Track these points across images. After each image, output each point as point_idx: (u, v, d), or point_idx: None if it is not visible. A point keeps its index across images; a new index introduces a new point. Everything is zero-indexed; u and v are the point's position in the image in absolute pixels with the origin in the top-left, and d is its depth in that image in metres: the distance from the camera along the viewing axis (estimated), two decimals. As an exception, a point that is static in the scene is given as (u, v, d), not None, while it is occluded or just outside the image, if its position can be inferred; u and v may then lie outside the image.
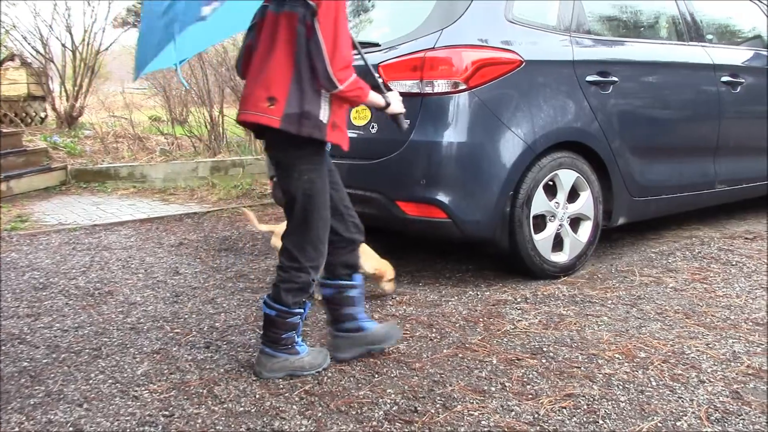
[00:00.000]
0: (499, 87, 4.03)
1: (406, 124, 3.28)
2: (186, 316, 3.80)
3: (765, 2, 5.78)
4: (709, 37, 5.20)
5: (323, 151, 2.97)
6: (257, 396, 2.84)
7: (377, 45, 4.36)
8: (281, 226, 3.65)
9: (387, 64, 4.12)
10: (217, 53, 10.08)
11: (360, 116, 4.29)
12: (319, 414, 2.68)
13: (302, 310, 3.02)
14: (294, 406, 2.74)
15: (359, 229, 3.22)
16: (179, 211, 6.72)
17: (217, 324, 3.68)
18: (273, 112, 2.80)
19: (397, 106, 3.20)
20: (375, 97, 3.08)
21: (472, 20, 4.08)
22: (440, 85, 3.96)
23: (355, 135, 4.33)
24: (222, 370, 3.10)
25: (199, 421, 2.64)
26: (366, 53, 4.36)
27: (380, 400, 2.76)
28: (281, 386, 2.92)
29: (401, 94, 4.03)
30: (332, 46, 2.75)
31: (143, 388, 2.93)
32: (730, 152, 5.18)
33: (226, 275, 4.57)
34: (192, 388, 2.92)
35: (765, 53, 5.47)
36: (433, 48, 3.99)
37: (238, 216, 6.53)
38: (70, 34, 10.64)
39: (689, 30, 5.05)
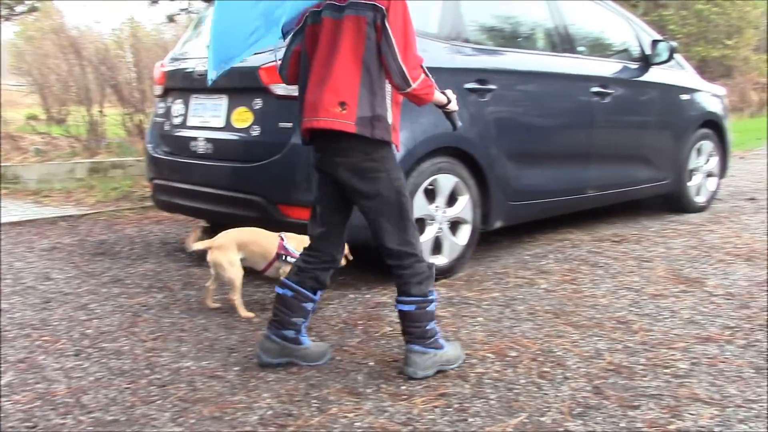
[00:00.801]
0: (379, 92, 4.07)
1: (459, 123, 3.30)
2: (55, 323, 3.65)
3: (633, 18, 6.12)
4: (581, 49, 5.45)
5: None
6: (128, 404, 2.76)
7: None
8: (217, 240, 3.73)
9: (269, 67, 4.07)
10: (97, 51, 9.75)
11: (241, 118, 4.25)
12: (192, 421, 2.63)
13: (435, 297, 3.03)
14: (166, 414, 2.69)
15: (343, 252, 3.20)
16: (54, 214, 6.44)
17: (88, 331, 3.55)
18: (346, 117, 2.79)
19: (455, 104, 3.21)
20: (439, 95, 3.11)
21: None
22: (321, 89, 3.96)
23: (236, 137, 4.29)
24: (92, 378, 3.00)
25: (65, 431, 2.55)
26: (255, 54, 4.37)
27: (255, 405, 2.75)
28: (153, 394, 2.85)
29: (283, 96, 4.07)
30: (403, 46, 2.79)
31: (5, 399, 2.79)
32: (600, 159, 5.44)
33: (100, 280, 4.42)
34: (58, 397, 2.81)
35: (632, 66, 5.78)
36: (315, 52, 3.99)
37: (117, 219, 6.33)
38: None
39: (563, 42, 5.28)
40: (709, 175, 6.52)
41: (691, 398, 2.80)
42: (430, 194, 4.30)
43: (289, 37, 3.01)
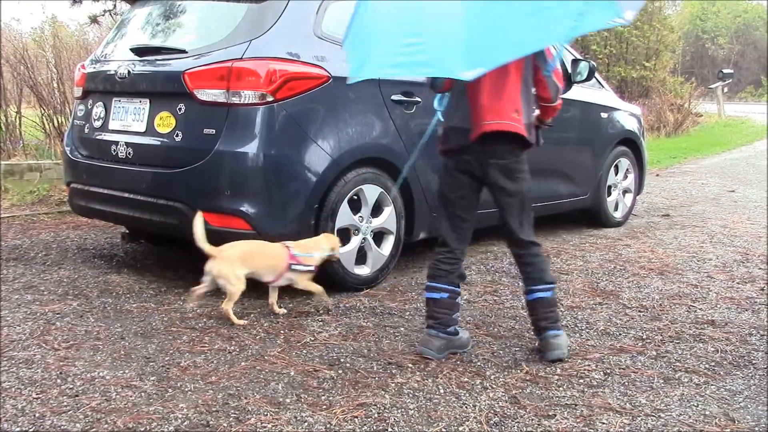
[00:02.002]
0: (306, 101, 4.08)
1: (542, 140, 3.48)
2: (-39, 332, 3.50)
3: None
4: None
5: None
6: (37, 415, 2.67)
7: (184, 51, 4.27)
8: (225, 252, 3.69)
9: (193, 72, 4.05)
10: (16, 50, 9.43)
11: (164, 123, 4.18)
12: (105, 432, 2.56)
13: None
14: (78, 425, 2.61)
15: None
16: (-37, 217, 6.18)
17: (-3, 339, 3.42)
18: (520, 122, 3.17)
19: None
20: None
21: (281, 34, 4.11)
22: (247, 96, 3.94)
23: (158, 143, 4.21)
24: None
25: (-33, 444, 2.44)
26: (172, 59, 4.31)
27: (171, 416, 2.69)
28: (65, 404, 2.76)
29: (207, 103, 4.02)
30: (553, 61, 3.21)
31: None
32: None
33: (12, 287, 4.25)
34: (-39, 409, 2.69)
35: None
36: (241, 59, 3.97)
37: (32, 224, 6.12)
38: None
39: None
40: (626, 191, 6.73)
41: (604, 407, 2.88)
42: (355, 204, 4.30)
43: None
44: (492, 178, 3.26)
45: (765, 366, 3.38)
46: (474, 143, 3.20)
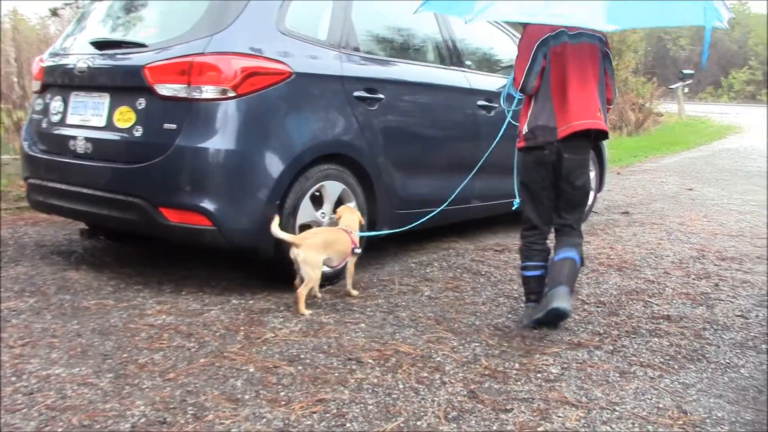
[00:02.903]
0: (268, 97, 4.06)
1: None
2: None
3: (518, 36, 6.33)
4: (468, 63, 5.60)
5: None
6: (-10, 413, 2.63)
7: (144, 46, 4.23)
8: (309, 240, 3.88)
9: (153, 66, 4.01)
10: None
11: (124, 118, 4.13)
12: (60, 430, 2.53)
13: None
14: (32, 423, 2.57)
15: None
16: None
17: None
18: (602, 120, 3.61)
19: None
20: None
21: (243, 29, 4.09)
22: (208, 91, 3.92)
23: (117, 137, 4.16)
24: (-49, 386, 2.83)
25: None
26: (132, 53, 4.27)
27: (128, 413, 2.67)
28: (19, 402, 2.72)
29: (168, 97, 3.99)
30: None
31: None
32: (485, 171, 5.58)
33: (-34, 284, 4.18)
34: None
35: (517, 81, 5.98)
36: (202, 53, 3.94)
37: (-11, 219, 6.00)
38: None
39: (450, 56, 5.41)
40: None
41: (560, 401, 2.92)
42: (317, 200, 4.30)
43: (535, 53, 3.57)
44: (565, 171, 3.63)
45: (717, 359, 3.46)
46: (559, 140, 3.56)
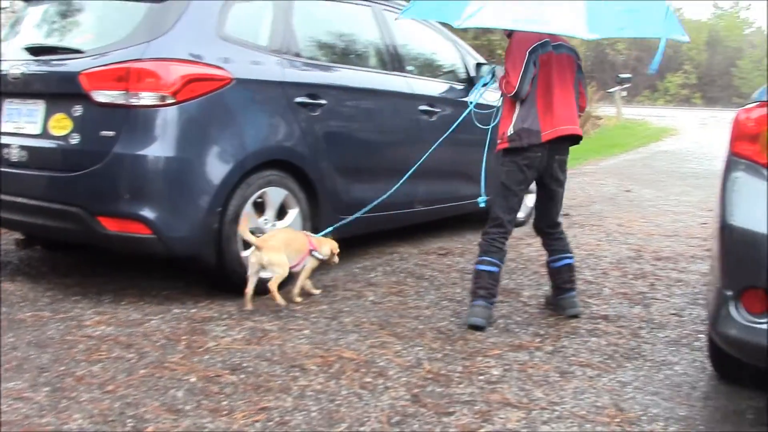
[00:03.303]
0: (208, 103, 4.02)
1: None
2: None
3: (460, 41, 6.41)
4: (410, 68, 5.64)
5: None
6: None
7: (81, 51, 4.15)
8: (270, 242, 4.01)
9: (90, 72, 3.94)
10: None
11: (60, 125, 4.05)
12: (-7, 447, 2.47)
13: None
14: (-36, 441, 2.50)
15: None
16: None
17: None
18: (578, 126, 3.97)
19: None
20: None
21: (182, 34, 4.05)
22: (147, 98, 3.87)
23: (53, 145, 4.08)
24: None
25: None
26: (68, 59, 4.19)
27: (65, 427, 2.62)
28: (-50, 419, 2.64)
29: (105, 104, 3.92)
30: None
31: None
32: (428, 176, 5.63)
33: None
34: None
35: (458, 87, 6.05)
36: (140, 59, 3.89)
37: None
38: None
39: (393, 61, 5.44)
40: (528, 191, 6.90)
41: (502, 403, 2.97)
42: (260, 207, 4.28)
43: (528, 62, 3.77)
44: (553, 170, 3.95)
45: (653, 357, 3.56)
46: (544, 143, 3.82)
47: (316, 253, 4.23)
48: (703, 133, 20.28)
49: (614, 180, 10.54)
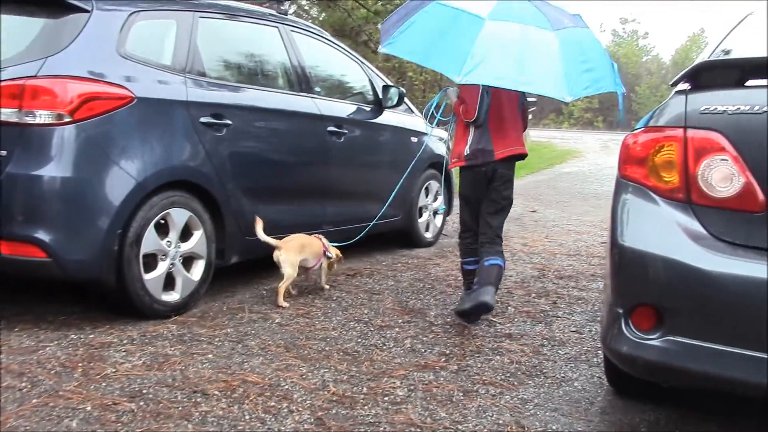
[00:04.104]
0: (108, 122, 3.92)
1: None
2: None
3: (367, 63, 6.47)
4: (318, 89, 5.65)
5: None
6: None
7: (-29, 68, 3.97)
8: (289, 243, 4.65)
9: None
10: None
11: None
12: None
13: None
14: None
15: None
16: None
17: None
18: (523, 146, 4.55)
19: None
20: None
21: (81, 51, 3.94)
22: (42, 116, 3.74)
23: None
24: None
25: None
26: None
27: (-53, 463, 2.47)
28: None
29: (2, 123, 3.76)
30: None
31: None
32: (337, 196, 5.65)
33: None
34: None
35: (366, 108, 6.10)
36: (35, 76, 3.76)
37: None
38: None
39: (300, 82, 5.43)
40: (436, 212, 7.02)
41: (406, 423, 2.98)
42: (163, 228, 4.18)
43: (483, 92, 4.29)
44: (498, 184, 4.44)
45: (554, 374, 3.65)
46: (495, 161, 4.36)
47: (328, 254, 4.90)
48: (605, 156, 21.06)
49: (520, 201, 10.74)
